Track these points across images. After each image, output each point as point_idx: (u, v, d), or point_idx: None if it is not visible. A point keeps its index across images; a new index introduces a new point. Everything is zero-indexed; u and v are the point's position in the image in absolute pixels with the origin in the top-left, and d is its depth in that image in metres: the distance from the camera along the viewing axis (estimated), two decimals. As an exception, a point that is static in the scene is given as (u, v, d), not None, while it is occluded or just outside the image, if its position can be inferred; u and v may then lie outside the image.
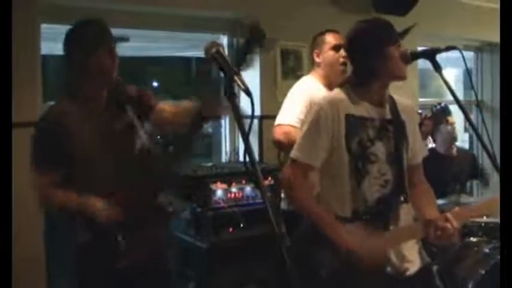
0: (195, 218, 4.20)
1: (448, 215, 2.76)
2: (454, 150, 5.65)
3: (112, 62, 2.96)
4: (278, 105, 4.17)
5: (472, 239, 4.60)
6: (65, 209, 2.97)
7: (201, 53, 2.35)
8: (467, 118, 2.99)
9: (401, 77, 2.81)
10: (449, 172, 5.44)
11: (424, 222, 2.81)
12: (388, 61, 2.74)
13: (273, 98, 5.11)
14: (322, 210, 2.78)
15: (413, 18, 4.55)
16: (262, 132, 5.21)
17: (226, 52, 2.26)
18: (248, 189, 4.35)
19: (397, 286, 2.79)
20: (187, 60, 6.05)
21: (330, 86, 3.94)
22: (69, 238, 3.06)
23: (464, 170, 5.70)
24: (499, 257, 4.19)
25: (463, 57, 2.88)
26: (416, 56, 2.90)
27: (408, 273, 2.82)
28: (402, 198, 2.83)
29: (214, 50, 2.20)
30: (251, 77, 5.12)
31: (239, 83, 2.07)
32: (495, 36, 5.63)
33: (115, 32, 3.02)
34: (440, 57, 2.84)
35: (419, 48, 3.12)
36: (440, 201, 4.62)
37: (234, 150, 5.45)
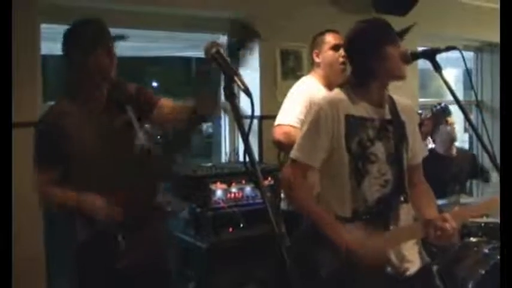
0: (194, 218, 4.20)
1: (447, 215, 2.77)
2: (454, 151, 5.66)
3: (110, 61, 2.96)
4: (278, 106, 4.17)
5: (471, 239, 4.60)
6: (64, 207, 2.99)
7: (201, 53, 2.35)
8: (467, 118, 2.99)
9: (401, 77, 2.81)
10: (448, 172, 5.44)
11: (423, 222, 2.81)
12: (386, 61, 2.74)
13: (272, 98, 5.11)
14: (322, 210, 2.78)
15: (413, 18, 4.54)
16: (262, 133, 5.21)
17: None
18: (248, 189, 4.35)
19: (397, 286, 2.79)
20: (187, 60, 6.06)
21: (329, 86, 3.94)
22: (69, 237, 3.07)
23: (463, 170, 5.70)
24: (498, 257, 4.20)
25: (463, 57, 2.88)
26: (416, 56, 2.90)
27: (408, 273, 2.83)
28: (402, 198, 2.83)
29: (214, 50, 2.21)
30: (251, 77, 5.12)
31: (239, 83, 2.07)
32: (495, 37, 5.63)
33: (114, 31, 3.03)
34: (440, 58, 2.84)
35: (419, 49, 3.12)
36: (440, 202, 4.62)
37: (234, 151, 5.45)
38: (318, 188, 2.90)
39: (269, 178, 4.34)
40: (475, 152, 6.84)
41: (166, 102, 3.10)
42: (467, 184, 6.18)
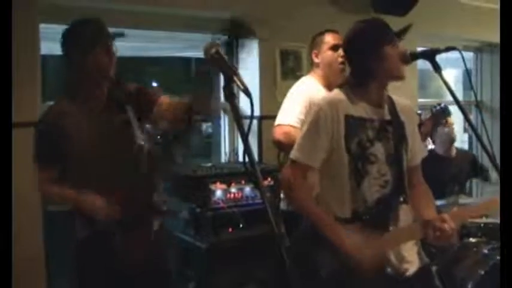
0: (194, 218, 4.20)
1: (445, 215, 2.77)
2: (453, 152, 5.66)
3: (110, 60, 2.97)
4: (277, 106, 4.17)
5: (471, 239, 4.60)
6: (65, 204, 3.01)
7: (200, 54, 2.35)
8: (466, 119, 2.99)
9: (399, 77, 2.81)
10: (448, 173, 5.44)
11: (422, 223, 2.81)
12: (385, 61, 2.74)
13: (272, 98, 5.11)
14: (322, 211, 2.78)
15: (413, 18, 4.55)
16: (262, 133, 5.21)
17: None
18: (247, 189, 4.36)
19: (397, 286, 2.79)
20: (186, 60, 6.06)
21: (329, 87, 3.94)
22: (69, 236, 3.07)
23: (463, 171, 5.71)
24: (498, 258, 4.20)
25: (462, 57, 2.88)
26: (415, 56, 2.90)
27: (407, 273, 2.83)
28: (402, 199, 2.83)
29: (213, 50, 2.21)
30: (250, 77, 5.13)
31: (238, 83, 2.08)
32: (495, 37, 5.64)
33: (113, 31, 3.04)
34: (439, 58, 2.85)
35: (419, 49, 3.12)
36: (438, 202, 4.62)
37: (234, 151, 5.45)
38: (317, 188, 2.90)
39: (269, 178, 4.35)
40: (474, 152, 6.84)
41: (165, 100, 3.10)
42: (467, 185, 6.19)
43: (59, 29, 3.08)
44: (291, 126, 3.90)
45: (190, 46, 5.54)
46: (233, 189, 4.31)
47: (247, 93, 2.04)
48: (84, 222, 2.96)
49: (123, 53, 3.98)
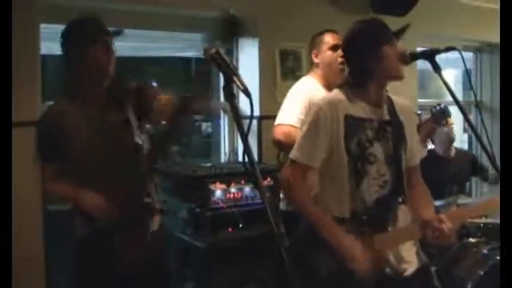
0: (194, 218, 4.20)
1: (443, 216, 2.78)
2: (453, 152, 5.66)
3: (109, 58, 2.97)
4: (277, 106, 4.17)
5: (470, 239, 4.61)
6: (65, 203, 3.03)
7: (200, 54, 2.35)
8: (466, 119, 2.99)
9: (398, 77, 2.82)
10: (447, 173, 5.45)
11: (420, 223, 2.81)
12: (383, 61, 2.74)
13: (272, 98, 5.11)
14: (321, 212, 2.78)
15: (413, 18, 4.55)
16: (262, 133, 5.21)
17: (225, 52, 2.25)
18: (247, 189, 4.36)
19: (395, 287, 2.80)
20: (186, 60, 6.05)
21: (329, 87, 3.94)
22: (69, 236, 3.08)
23: (462, 171, 5.71)
24: (497, 258, 4.20)
25: (462, 57, 2.89)
26: (415, 56, 2.91)
27: (406, 273, 2.83)
28: (400, 199, 2.84)
29: (213, 50, 2.21)
30: (250, 77, 5.13)
31: (238, 83, 2.08)
32: (494, 37, 5.64)
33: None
34: (439, 58, 2.85)
35: (419, 49, 3.12)
36: (438, 203, 4.63)
37: (233, 151, 5.45)
38: (316, 188, 2.90)
39: (268, 178, 4.35)
40: (474, 152, 6.84)
41: (164, 96, 3.09)
42: (467, 185, 6.19)
43: (58, 29, 3.08)
44: (291, 126, 3.91)
45: (190, 46, 5.54)
46: (233, 189, 4.31)
47: (247, 93, 2.04)
48: (84, 221, 2.96)
49: (123, 53, 3.98)
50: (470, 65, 7.81)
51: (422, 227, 2.78)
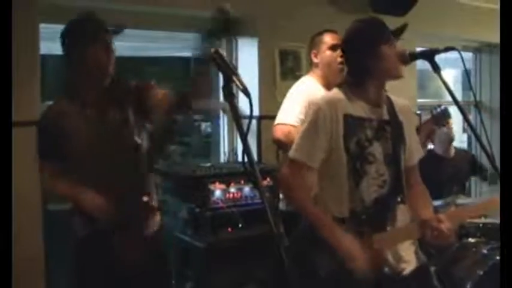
0: (193, 218, 4.20)
1: (441, 216, 2.78)
2: (452, 152, 5.67)
3: (108, 57, 2.97)
4: (277, 106, 4.17)
5: (470, 240, 4.61)
6: (65, 202, 3.03)
7: (195, 53, 2.35)
8: (465, 119, 2.99)
9: (397, 76, 2.82)
10: (446, 173, 5.45)
11: (419, 223, 2.82)
12: (382, 60, 2.74)
13: (271, 98, 5.12)
14: (320, 212, 2.78)
15: (412, 18, 4.55)
16: (261, 133, 5.21)
17: (224, 52, 2.25)
18: (247, 189, 4.36)
19: (394, 286, 2.80)
20: (186, 60, 6.05)
21: (328, 86, 3.94)
22: (68, 236, 3.08)
23: (462, 171, 5.72)
24: (497, 258, 4.21)
25: (461, 58, 2.89)
26: (415, 56, 2.91)
27: (405, 273, 2.84)
28: (399, 199, 2.84)
29: (213, 50, 2.21)
30: (250, 77, 5.13)
31: (238, 83, 2.08)
32: (494, 37, 5.64)
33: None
34: (439, 58, 2.86)
35: (418, 49, 3.13)
36: (437, 203, 4.63)
37: (233, 151, 5.45)
38: (315, 188, 2.91)
39: (268, 178, 4.35)
40: (473, 152, 6.85)
41: (161, 91, 3.08)
42: (466, 185, 6.19)
43: (58, 28, 3.08)
44: (291, 125, 3.91)
45: (189, 46, 5.53)
46: (232, 189, 4.31)
47: (247, 93, 2.04)
48: (84, 221, 2.96)
49: (122, 53, 3.98)
50: (469, 65, 7.82)
51: (421, 226, 2.79)
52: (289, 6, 5.39)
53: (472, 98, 7.78)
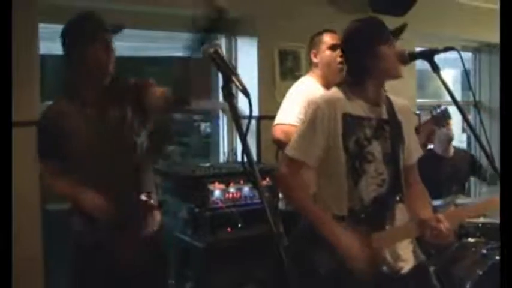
0: (193, 218, 4.20)
1: (440, 215, 2.78)
2: (451, 151, 5.67)
3: (108, 56, 2.97)
4: (276, 106, 4.18)
5: (469, 239, 4.62)
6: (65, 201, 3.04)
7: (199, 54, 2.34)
8: (465, 119, 3.00)
9: (396, 76, 2.82)
10: (446, 172, 5.45)
11: (418, 222, 2.82)
12: (380, 60, 2.75)
13: (271, 98, 5.12)
14: (319, 210, 2.78)
15: (412, 18, 4.55)
16: (260, 133, 5.21)
17: (224, 52, 2.25)
18: (246, 189, 4.36)
19: (392, 284, 2.80)
20: (186, 60, 6.06)
21: (328, 86, 3.94)
22: (68, 235, 3.08)
23: (461, 171, 5.72)
24: (496, 258, 4.21)
25: (461, 58, 2.89)
26: (414, 56, 2.92)
27: (403, 271, 2.84)
28: (398, 198, 2.84)
29: (212, 50, 2.21)
30: (249, 77, 5.13)
31: (237, 83, 2.08)
32: (493, 37, 5.65)
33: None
34: (438, 58, 2.86)
35: (418, 49, 3.13)
36: (437, 202, 4.64)
37: (232, 151, 5.45)
38: (314, 187, 2.91)
39: (267, 178, 4.35)
40: (473, 152, 6.85)
41: (159, 88, 3.07)
42: (466, 185, 6.19)
43: (57, 28, 3.08)
44: (290, 125, 3.91)
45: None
46: (232, 189, 4.31)
47: (246, 93, 2.04)
48: (84, 220, 2.96)
49: (122, 53, 3.98)
50: (469, 65, 7.82)
51: (420, 226, 2.79)
52: (288, 6, 5.39)
53: (471, 98, 7.77)
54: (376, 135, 2.81)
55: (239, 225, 4.24)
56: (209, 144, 6.03)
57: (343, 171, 2.76)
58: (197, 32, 2.36)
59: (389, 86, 2.91)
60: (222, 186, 4.26)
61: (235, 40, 5.54)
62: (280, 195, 4.05)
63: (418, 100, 6.91)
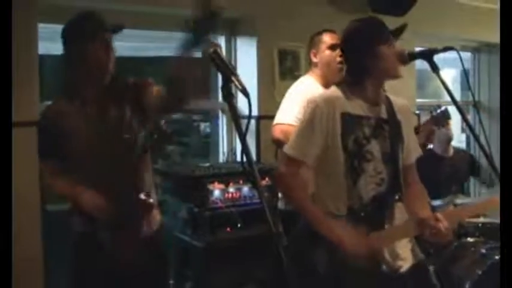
0: (192, 217, 4.20)
1: (438, 215, 2.79)
2: (451, 151, 5.68)
3: (108, 56, 2.97)
4: (276, 105, 4.18)
5: (468, 239, 4.62)
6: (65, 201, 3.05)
7: (198, 53, 2.35)
8: (464, 119, 3.00)
9: (395, 76, 2.83)
10: (445, 172, 5.46)
11: (417, 221, 2.82)
12: (380, 60, 2.75)
13: (270, 98, 5.13)
14: (318, 209, 2.79)
15: (411, 18, 4.56)
16: (260, 133, 5.22)
17: (224, 52, 2.25)
18: (245, 189, 4.36)
19: (391, 283, 2.81)
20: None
21: (327, 86, 3.93)
22: (68, 235, 3.08)
23: (461, 171, 5.73)
24: (495, 258, 4.21)
25: (460, 57, 2.90)
26: (413, 56, 2.92)
27: (401, 270, 2.85)
28: (397, 197, 2.85)
29: (211, 50, 2.21)
30: (248, 77, 5.13)
31: (236, 83, 2.08)
32: (493, 37, 5.65)
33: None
34: (437, 58, 2.87)
35: (417, 49, 3.13)
36: (436, 202, 4.64)
37: (232, 151, 5.45)
38: (312, 186, 2.91)
39: (266, 178, 4.34)
40: (472, 152, 6.86)
41: (155, 87, 3.07)
42: (465, 184, 6.20)
43: (56, 28, 3.09)
44: (290, 125, 3.91)
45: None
46: (231, 189, 4.31)
47: (245, 93, 2.04)
48: (84, 220, 2.96)
49: (122, 53, 3.99)
50: (468, 65, 7.82)
51: (419, 225, 2.80)
52: (288, 6, 5.39)
53: (470, 98, 7.78)
54: (375, 134, 2.82)
55: (239, 225, 4.24)
56: (209, 144, 6.03)
57: (342, 170, 2.76)
58: (190, 32, 2.35)
59: (389, 85, 2.92)
60: (222, 186, 4.26)
61: (235, 40, 5.54)
62: (280, 195, 4.05)
63: (418, 100, 6.90)
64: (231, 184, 4.31)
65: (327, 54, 4.14)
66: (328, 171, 2.81)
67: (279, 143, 4.01)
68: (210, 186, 4.21)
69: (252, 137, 5.22)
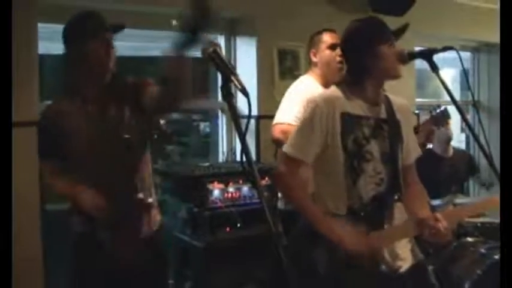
0: (192, 217, 4.20)
1: (438, 215, 2.79)
2: (450, 151, 5.68)
3: (108, 55, 2.97)
4: (275, 105, 4.18)
5: (468, 239, 4.62)
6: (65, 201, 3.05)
7: (198, 53, 2.35)
8: (464, 118, 3.00)
9: (395, 76, 2.83)
10: (445, 172, 5.46)
11: (416, 221, 2.82)
12: (380, 60, 2.75)
13: (270, 98, 5.12)
14: (318, 208, 2.79)
15: (411, 18, 4.56)
16: (260, 132, 5.22)
17: (223, 52, 2.25)
18: (245, 189, 4.36)
19: (391, 283, 2.81)
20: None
21: (327, 85, 3.93)
22: (67, 235, 3.08)
23: (460, 171, 5.73)
24: (495, 257, 4.21)
25: (459, 57, 2.90)
26: (413, 56, 2.92)
27: (401, 270, 2.85)
28: (396, 197, 2.85)
29: (211, 49, 2.21)
30: (248, 76, 5.13)
31: (236, 83, 2.08)
32: (492, 37, 5.65)
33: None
34: (437, 58, 2.86)
35: (417, 49, 3.13)
36: (435, 202, 4.64)
37: (231, 150, 5.45)
38: (312, 186, 2.92)
39: (266, 178, 4.34)
40: (471, 152, 6.86)
41: (154, 87, 3.06)
42: (464, 184, 6.20)
43: (56, 28, 3.09)
44: (289, 124, 3.92)
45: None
46: (231, 189, 4.31)
47: (245, 93, 2.04)
48: (83, 220, 2.96)
49: (123, 53, 3.99)
50: (467, 65, 7.82)
51: (418, 225, 2.80)
52: (288, 6, 5.39)
53: (470, 98, 7.78)
54: (375, 134, 2.82)
55: (238, 225, 4.24)
56: (208, 143, 6.03)
57: (341, 170, 2.76)
58: (182, 31, 2.35)
59: (389, 85, 2.91)
60: (221, 185, 4.26)
61: (235, 39, 5.54)
62: (279, 194, 4.05)
63: (417, 100, 6.91)
64: (230, 184, 4.31)
65: (327, 53, 4.14)
66: (328, 171, 2.81)
67: (278, 143, 4.01)
68: (210, 186, 4.21)
69: (252, 136, 5.22)
